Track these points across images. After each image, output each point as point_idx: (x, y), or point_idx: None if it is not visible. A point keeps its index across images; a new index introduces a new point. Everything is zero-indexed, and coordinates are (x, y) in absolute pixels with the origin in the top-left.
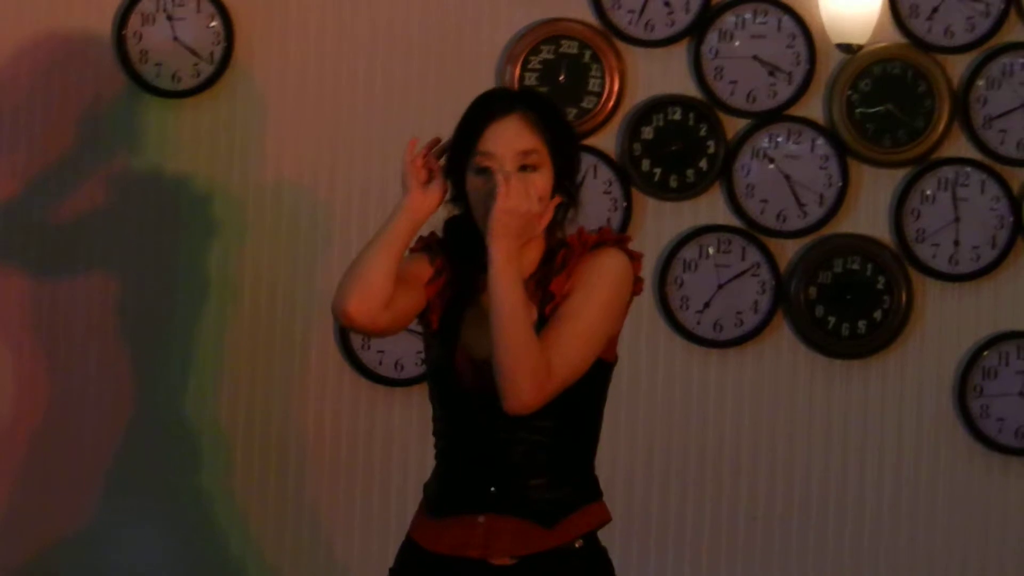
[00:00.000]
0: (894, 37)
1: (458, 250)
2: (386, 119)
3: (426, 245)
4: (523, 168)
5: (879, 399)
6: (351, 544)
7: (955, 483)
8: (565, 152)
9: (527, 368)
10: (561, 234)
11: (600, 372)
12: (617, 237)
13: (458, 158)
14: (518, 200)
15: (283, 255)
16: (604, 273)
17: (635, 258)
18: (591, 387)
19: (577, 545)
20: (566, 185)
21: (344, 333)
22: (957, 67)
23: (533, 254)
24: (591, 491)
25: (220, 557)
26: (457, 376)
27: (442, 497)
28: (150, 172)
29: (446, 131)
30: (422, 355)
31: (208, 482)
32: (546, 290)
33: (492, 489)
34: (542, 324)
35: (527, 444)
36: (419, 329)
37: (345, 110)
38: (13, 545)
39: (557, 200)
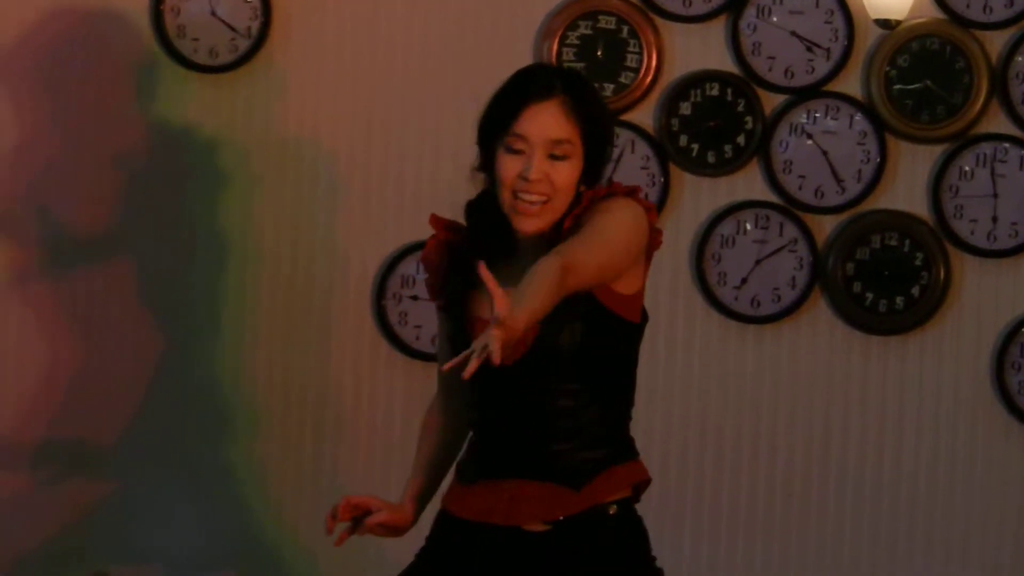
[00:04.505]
0: (932, 13)
1: (476, 231)
2: (423, 94)
3: (438, 224)
4: (552, 156)
5: (917, 375)
6: None
7: (992, 459)
8: (599, 142)
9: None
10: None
11: (625, 333)
12: (627, 188)
13: (492, 131)
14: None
15: (322, 231)
16: (616, 208)
17: (648, 208)
18: (617, 349)
19: (611, 512)
20: (595, 172)
21: (381, 309)
22: (996, 43)
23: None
24: (623, 452)
25: (251, 532)
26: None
27: (470, 464)
28: (187, 146)
29: (482, 107)
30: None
31: (239, 456)
32: (560, 232)
33: (517, 454)
34: None
35: (552, 409)
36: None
37: (381, 85)
38: (39, 519)
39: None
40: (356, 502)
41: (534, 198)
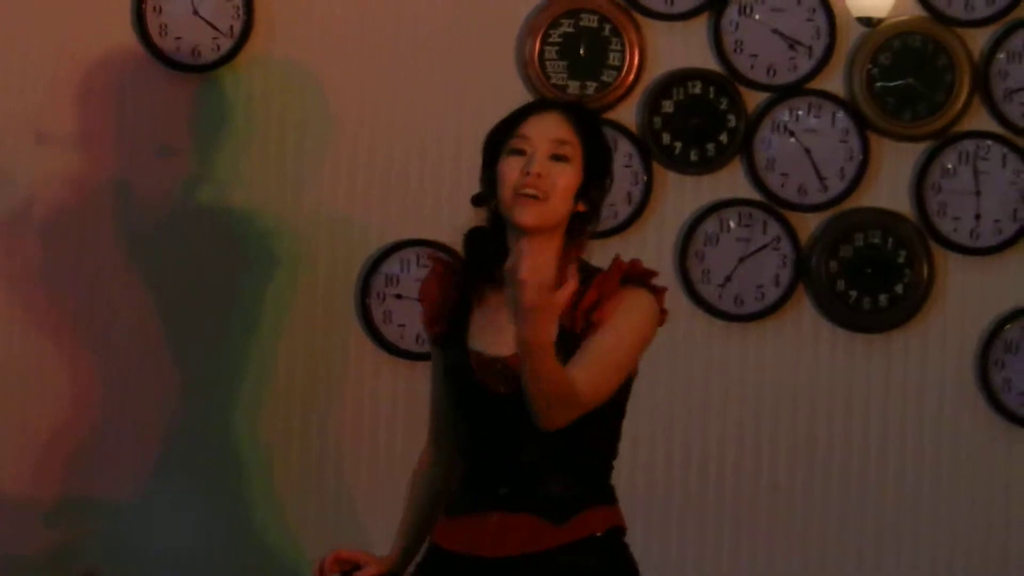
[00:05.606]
0: (914, 10)
1: (476, 261)
2: (405, 93)
3: (437, 260)
4: (554, 157)
5: (900, 373)
6: (375, 513)
7: (977, 457)
8: (597, 161)
9: (556, 395)
10: (578, 248)
11: (619, 386)
12: (643, 272)
13: (496, 141)
14: (534, 272)
15: (304, 227)
16: (632, 311)
17: (659, 292)
18: (610, 398)
19: (598, 533)
20: (591, 196)
21: (365, 308)
22: (977, 40)
23: (549, 254)
24: (606, 496)
25: (251, 534)
26: (473, 375)
27: (459, 496)
28: (169, 146)
29: (465, 106)
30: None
31: (231, 454)
32: (587, 317)
33: (504, 488)
34: (568, 343)
35: (540, 445)
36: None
37: (364, 84)
38: (49, 529)
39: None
40: (345, 556)
41: (531, 191)
